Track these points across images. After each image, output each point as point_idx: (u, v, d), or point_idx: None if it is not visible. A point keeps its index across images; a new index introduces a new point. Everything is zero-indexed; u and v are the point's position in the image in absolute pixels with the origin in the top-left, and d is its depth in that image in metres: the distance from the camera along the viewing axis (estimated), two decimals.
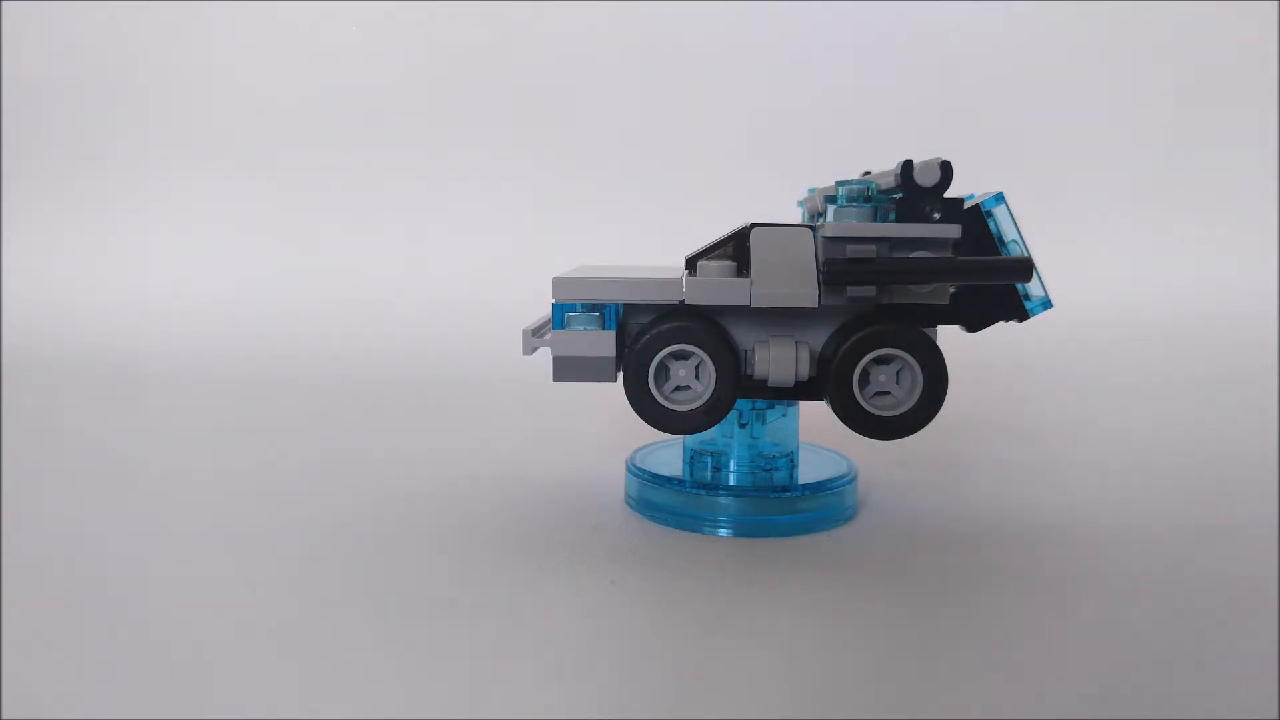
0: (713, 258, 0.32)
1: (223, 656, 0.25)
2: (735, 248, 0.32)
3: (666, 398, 0.32)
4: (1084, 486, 0.41)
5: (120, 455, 0.45)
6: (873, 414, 0.31)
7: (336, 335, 0.73)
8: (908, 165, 0.30)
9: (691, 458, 0.36)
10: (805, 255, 0.31)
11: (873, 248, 0.30)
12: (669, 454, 0.39)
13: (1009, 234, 0.32)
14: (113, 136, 0.86)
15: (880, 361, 0.31)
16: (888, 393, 0.32)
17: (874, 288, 0.30)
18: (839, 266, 0.30)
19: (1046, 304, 0.33)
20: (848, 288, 0.30)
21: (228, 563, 0.32)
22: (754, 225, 0.31)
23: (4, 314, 0.78)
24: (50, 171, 0.86)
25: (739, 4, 0.81)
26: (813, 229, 0.31)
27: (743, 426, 0.36)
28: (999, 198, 0.32)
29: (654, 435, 0.41)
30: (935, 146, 0.81)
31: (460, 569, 0.31)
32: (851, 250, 0.30)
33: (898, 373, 0.31)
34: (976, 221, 0.32)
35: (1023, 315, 0.33)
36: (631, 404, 0.32)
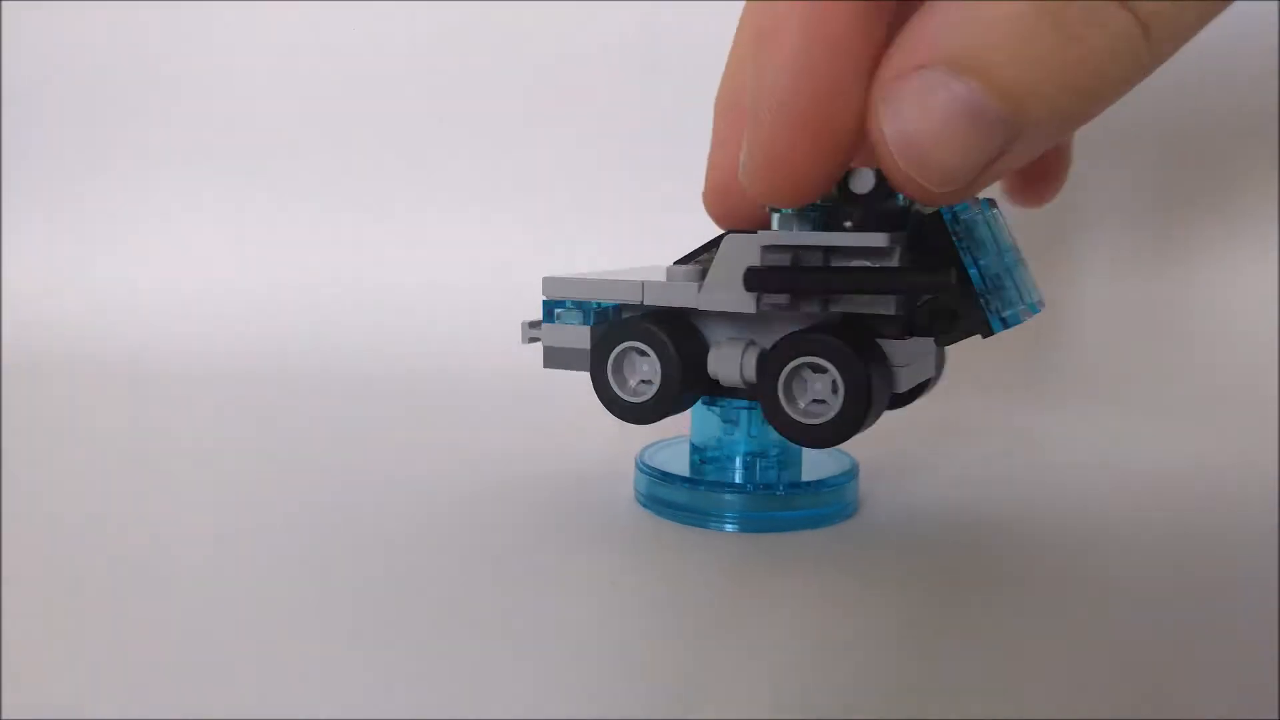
0: (697, 261, 0.34)
1: (224, 656, 0.26)
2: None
3: (632, 390, 0.34)
4: (1086, 486, 0.42)
5: (120, 455, 0.46)
6: (797, 420, 0.31)
7: (338, 335, 0.74)
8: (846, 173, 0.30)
9: (697, 455, 0.38)
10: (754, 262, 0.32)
11: (787, 256, 0.30)
12: (677, 451, 0.40)
13: (986, 241, 0.31)
14: (114, 136, 0.86)
15: (815, 370, 0.31)
16: (824, 400, 0.31)
17: (786, 296, 0.31)
18: (753, 274, 0.31)
19: (1016, 319, 0.31)
20: (762, 295, 0.31)
21: (230, 562, 0.32)
22: (730, 231, 0.33)
23: (4, 314, 0.79)
24: (51, 172, 0.87)
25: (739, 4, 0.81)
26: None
27: (731, 423, 0.37)
28: (971, 205, 0.31)
29: (662, 433, 0.42)
30: None
31: (465, 567, 0.32)
32: (769, 258, 0.31)
33: (833, 382, 0.31)
34: (939, 230, 0.31)
35: (986, 331, 0.31)
36: (595, 392, 0.35)
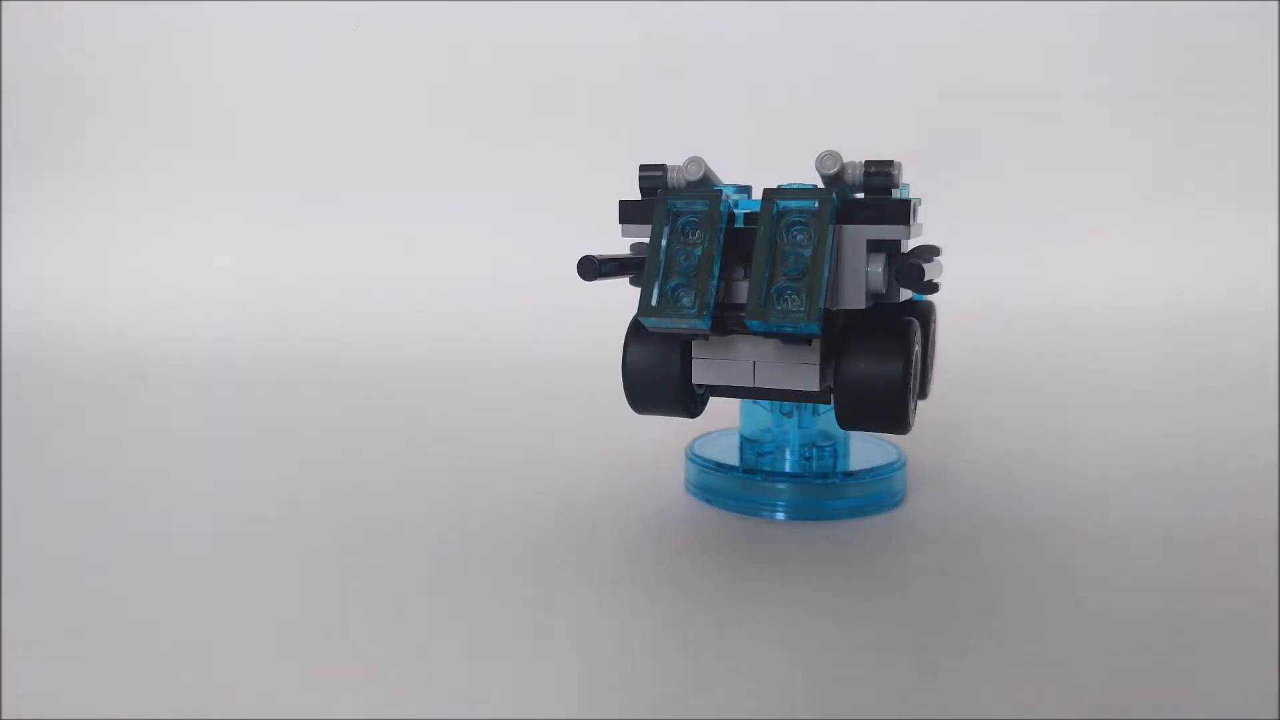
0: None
1: (226, 657, 0.26)
2: None
3: None
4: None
5: (121, 456, 0.46)
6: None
7: (340, 335, 0.74)
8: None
9: (747, 445, 0.39)
10: None
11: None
12: (727, 442, 0.41)
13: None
14: (112, 137, 0.88)
15: None
16: None
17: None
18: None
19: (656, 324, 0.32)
20: None
21: (235, 563, 0.32)
22: None
23: (4, 314, 0.80)
24: (52, 173, 0.88)
25: (738, 3, 0.82)
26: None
27: (788, 416, 0.38)
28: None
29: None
30: (936, 144, 0.81)
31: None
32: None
33: None
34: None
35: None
36: None
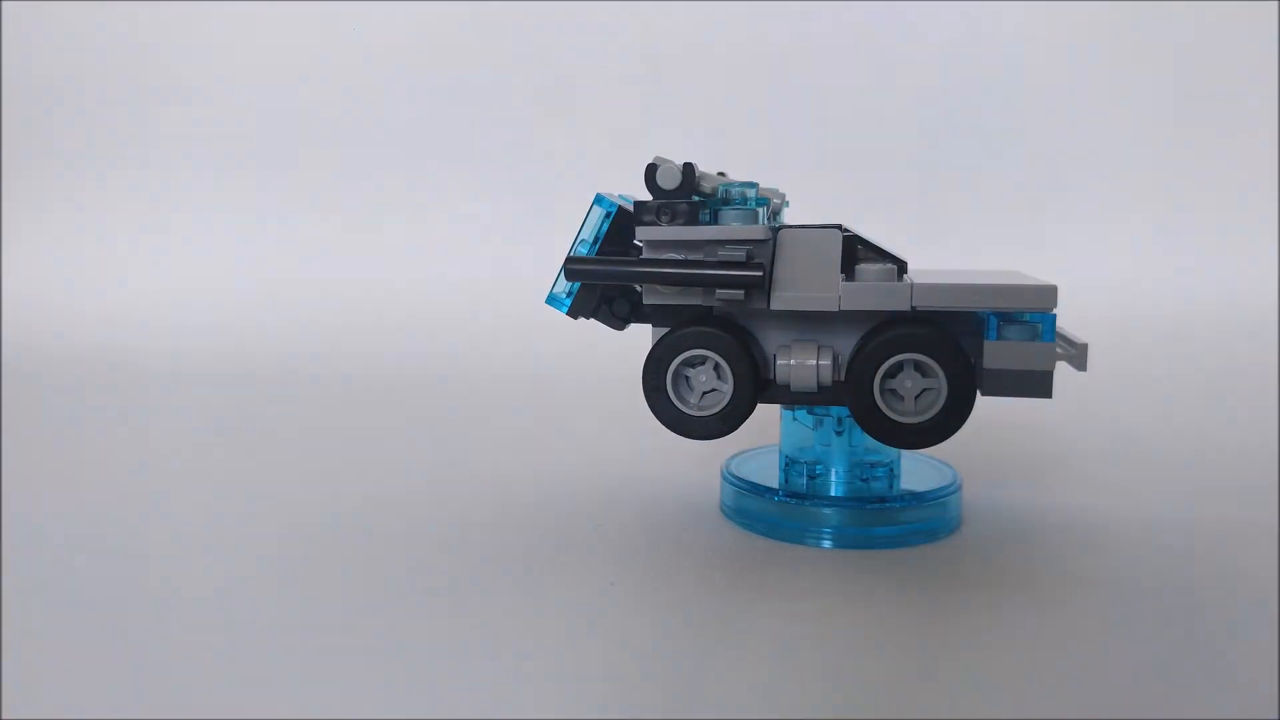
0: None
1: (226, 657, 0.25)
2: None
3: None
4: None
5: (121, 456, 0.46)
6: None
7: (341, 337, 0.74)
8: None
9: (788, 465, 0.35)
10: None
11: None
12: (766, 460, 0.38)
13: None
14: (116, 138, 0.88)
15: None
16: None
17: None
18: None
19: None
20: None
21: (234, 563, 0.32)
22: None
23: (3, 314, 0.80)
24: (52, 173, 0.89)
25: (736, 3, 0.80)
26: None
27: (839, 434, 0.35)
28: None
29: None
30: (938, 145, 0.81)
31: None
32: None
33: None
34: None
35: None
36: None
